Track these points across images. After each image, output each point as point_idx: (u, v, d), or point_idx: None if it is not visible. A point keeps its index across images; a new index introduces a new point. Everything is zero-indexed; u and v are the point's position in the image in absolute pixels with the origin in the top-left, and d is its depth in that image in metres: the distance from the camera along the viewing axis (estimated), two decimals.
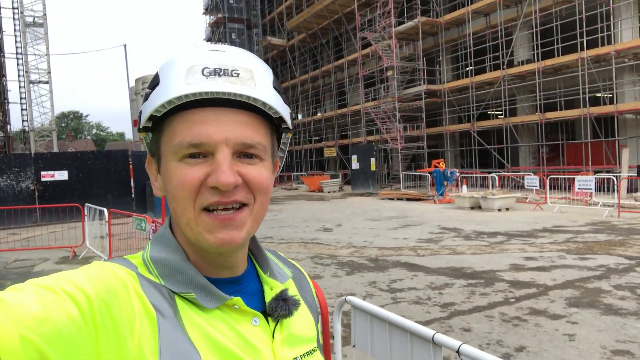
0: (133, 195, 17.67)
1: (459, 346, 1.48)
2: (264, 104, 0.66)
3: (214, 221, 0.65)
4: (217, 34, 43.00)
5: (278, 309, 0.72)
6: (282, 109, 0.69)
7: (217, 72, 0.64)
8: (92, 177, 16.82)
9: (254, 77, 0.66)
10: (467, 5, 23.37)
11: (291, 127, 0.74)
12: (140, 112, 0.69)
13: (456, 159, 26.94)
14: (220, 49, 0.67)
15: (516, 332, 4.80)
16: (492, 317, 5.27)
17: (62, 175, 16.40)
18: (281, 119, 0.70)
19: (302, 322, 0.77)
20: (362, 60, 28.62)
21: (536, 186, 15.85)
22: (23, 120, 31.96)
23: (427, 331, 1.67)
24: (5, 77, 40.78)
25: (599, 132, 19.00)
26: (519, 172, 20.84)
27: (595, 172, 17.16)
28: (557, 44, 19.74)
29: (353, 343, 2.24)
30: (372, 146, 25.22)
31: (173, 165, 0.66)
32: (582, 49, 18.58)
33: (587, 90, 18.55)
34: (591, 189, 13.68)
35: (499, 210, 14.81)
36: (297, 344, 0.73)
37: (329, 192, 25.79)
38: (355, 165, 25.27)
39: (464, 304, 5.77)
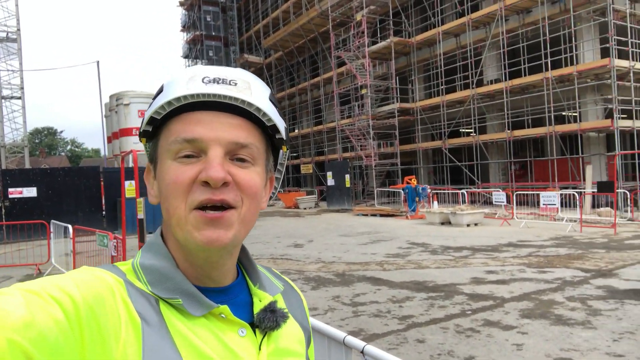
0: (104, 213, 17.49)
1: (363, 347, 1.61)
2: (258, 109, 0.69)
3: (203, 218, 0.65)
4: (195, 51, 43.18)
5: (265, 321, 0.71)
6: (277, 119, 0.72)
7: (216, 81, 0.68)
8: (62, 194, 16.62)
9: (250, 88, 0.70)
10: (438, 26, 24.09)
11: (285, 139, 0.75)
12: (143, 120, 0.72)
13: (429, 176, 27.39)
14: (221, 67, 0.73)
15: (468, 342, 4.96)
16: (446, 329, 5.42)
17: (30, 192, 16.17)
18: (275, 129, 0.72)
19: (291, 337, 0.76)
20: (337, 78, 29.06)
21: (503, 202, 16.27)
22: None
23: (339, 334, 1.80)
24: None
25: (564, 150, 19.62)
26: (489, 188, 21.31)
27: (562, 188, 17.68)
28: (524, 64, 20.42)
29: None
30: (346, 163, 25.48)
31: (168, 164, 0.67)
32: (547, 69, 19.28)
33: (552, 109, 19.20)
34: (555, 204, 14.11)
35: (468, 225, 15.11)
36: (284, 358, 0.73)
37: (304, 209, 25.86)
38: (330, 181, 25.44)
39: (422, 317, 5.92)
